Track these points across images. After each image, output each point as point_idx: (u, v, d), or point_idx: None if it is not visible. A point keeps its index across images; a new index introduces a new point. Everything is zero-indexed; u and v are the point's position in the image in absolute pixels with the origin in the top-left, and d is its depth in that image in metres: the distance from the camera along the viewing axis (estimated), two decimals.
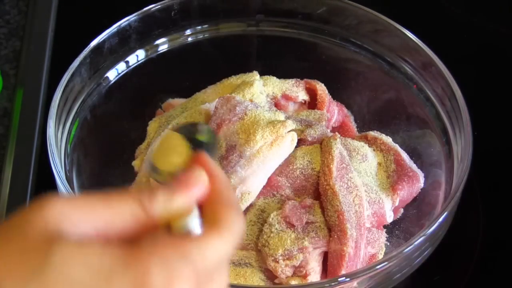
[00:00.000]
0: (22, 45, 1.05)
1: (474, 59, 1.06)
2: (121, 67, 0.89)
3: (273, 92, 0.87)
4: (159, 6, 0.89)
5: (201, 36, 0.94)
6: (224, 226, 0.45)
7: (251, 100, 0.82)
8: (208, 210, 0.46)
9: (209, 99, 0.85)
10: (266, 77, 0.88)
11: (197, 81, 0.90)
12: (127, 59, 0.90)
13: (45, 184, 0.86)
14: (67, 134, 0.81)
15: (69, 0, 1.12)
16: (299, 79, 0.89)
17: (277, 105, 0.87)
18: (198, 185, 0.47)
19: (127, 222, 0.43)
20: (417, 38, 0.85)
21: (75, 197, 0.43)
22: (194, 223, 0.45)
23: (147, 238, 0.43)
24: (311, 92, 0.89)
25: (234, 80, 0.88)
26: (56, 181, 0.73)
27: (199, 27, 0.94)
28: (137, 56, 0.90)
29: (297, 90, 0.88)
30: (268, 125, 0.75)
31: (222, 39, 0.94)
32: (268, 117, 0.77)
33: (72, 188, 0.76)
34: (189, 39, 0.94)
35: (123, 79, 0.89)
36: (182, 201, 0.45)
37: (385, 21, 0.87)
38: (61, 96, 0.79)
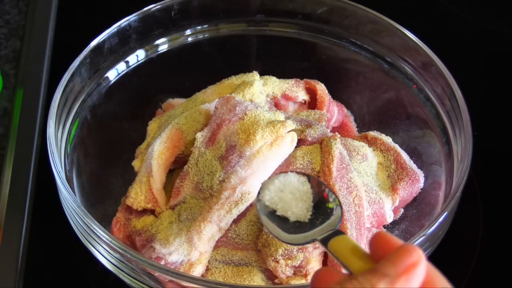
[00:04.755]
0: (22, 45, 1.05)
1: (474, 59, 1.06)
2: (121, 67, 0.89)
3: (273, 92, 0.87)
4: (159, 6, 0.89)
5: (201, 36, 0.94)
6: None
7: (251, 100, 0.82)
8: None
9: (209, 99, 0.85)
10: (266, 77, 0.88)
11: (197, 81, 0.90)
12: (127, 59, 0.90)
13: (45, 184, 0.86)
14: (67, 134, 0.81)
15: (69, 0, 1.12)
16: (299, 79, 0.89)
17: (277, 105, 0.87)
18: (419, 270, 0.43)
19: None
20: (417, 38, 0.85)
21: None
22: None
23: None
24: (311, 92, 0.89)
25: (234, 80, 0.88)
26: (56, 181, 0.73)
27: (199, 27, 0.94)
28: (137, 56, 0.91)
29: (297, 90, 0.88)
30: (268, 125, 0.75)
31: (222, 39, 0.94)
32: (268, 117, 0.77)
33: (72, 188, 0.76)
34: (189, 39, 0.94)
35: (123, 79, 0.89)
36: None
37: (385, 21, 0.87)
38: (61, 96, 0.79)
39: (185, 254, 0.72)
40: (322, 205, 0.58)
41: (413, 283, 0.43)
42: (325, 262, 0.74)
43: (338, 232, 0.53)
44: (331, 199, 0.58)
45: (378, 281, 0.42)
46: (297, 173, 0.61)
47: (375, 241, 0.47)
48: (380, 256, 0.46)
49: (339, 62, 0.93)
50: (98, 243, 0.70)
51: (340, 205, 0.58)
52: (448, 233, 0.74)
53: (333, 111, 0.88)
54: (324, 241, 0.52)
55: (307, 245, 0.71)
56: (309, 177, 0.61)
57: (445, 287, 0.45)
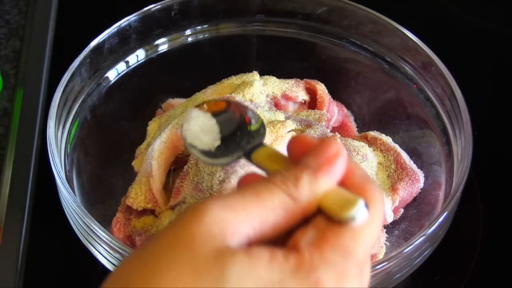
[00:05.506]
0: (22, 45, 1.05)
1: (474, 59, 1.06)
2: (121, 67, 0.89)
3: (273, 92, 0.87)
4: (159, 6, 0.89)
5: (201, 36, 0.94)
6: (372, 207, 0.43)
7: (251, 100, 0.82)
8: (349, 188, 0.44)
9: (209, 99, 0.85)
10: (266, 77, 0.88)
11: (197, 81, 0.90)
12: (127, 59, 0.90)
13: (45, 184, 0.86)
14: (67, 134, 0.81)
15: (69, 0, 1.12)
16: (299, 79, 0.89)
17: (277, 105, 0.86)
18: (340, 160, 0.45)
19: (279, 215, 0.43)
20: (417, 38, 0.85)
21: (228, 199, 0.43)
22: (357, 209, 0.42)
23: (304, 239, 0.42)
24: (311, 92, 0.89)
25: (234, 80, 0.88)
26: (56, 181, 0.73)
27: (199, 27, 0.94)
28: (137, 56, 0.90)
29: (297, 90, 0.88)
30: (268, 125, 0.75)
31: (222, 39, 0.94)
32: (268, 117, 0.77)
33: (72, 188, 0.76)
34: (189, 39, 0.94)
35: (123, 79, 0.89)
36: (327, 183, 0.44)
37: (385, 21, 0.87)
38: (61, 96, 0.79)
39: None
40: (246, 128, 0.60)
41: (335, 172, 0.44)
42: None
43: (261, 145, 0.54)
44: (253, 121, 0.60)
45: (301, 173, 0.44)
46: (203, 107, 0.63)
47: (291, 144, 0.48)
48: (299, 158, 0.46)
49: (339, 62, 0.93)
50: (98, 243, 0.70)
51: (263, 123, 0.59)
52: (448, 233, 0.74)
53: (333, 111, 0.88)
54: (248, 156, 0.54)
55: None
56: (228, 103, 0.63)
57: (364, 175, 0.46)
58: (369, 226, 0.43)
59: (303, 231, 0.43)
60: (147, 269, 0.40)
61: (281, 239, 0.43)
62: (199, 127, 0.61)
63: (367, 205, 0.43)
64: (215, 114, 0.62)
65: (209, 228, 0.41)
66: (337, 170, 0.44)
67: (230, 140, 0.59)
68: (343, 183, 0.45)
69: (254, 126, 0.60)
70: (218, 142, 0.60)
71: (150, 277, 0.40)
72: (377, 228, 0.44)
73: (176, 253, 0.40)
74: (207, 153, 0.60)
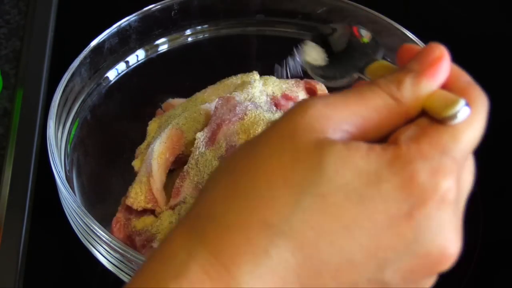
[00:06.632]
0: (22, 45, 1.05)
1: (474, 59, 1.06)
2: (121, 67, 0.89)
3: (273, 92, 0.87)
4: (159, 6, 0.89)
5: (201, 36, 0.94)
6: (474, 107, 0.44)
7: (251, 100, 0.82)
8: (453, 91, 0.45)
9: (209, 99, 0.85)
10: (266, 77, 0.88)
11: (197, 81, 0.90)
12: (127, 59, 0.90)
13: (45, 184, 0.86)
14: (67, 134, 0.81)
15: (69, 0, 1.12)
16: (299, 79, 0.89)
17: (277, 105, 0.86)
18: (443, 64, 0.46)
19: (382, 114, 0.44)
20: (417, 38, 0.85)
21: (331, 97, 0.44)
22: (458, 107, 0.43)
23: (405, 134, 0.43)
24: (311, 92, 0.89)
25: (234, 80, 0.88)
26: (56, 181, 0.73)
27: (199, 27, 0.94)
28: (137, 56, 0.91)
29: (297, 90, 0.88)
30: (268, 125, 0.75)
31: (222, 39, 0.94)
32: (268, 117, 0.77)
33: (72, 188, 0.76)
34: (189, 39, 0.94)
35: (123, 79, 0.89)
36: (429, 85, 0.45)
37: (385, 21, 0.87)
38: (61, 96, 0.79)
39: None
40: (357, 43, 0.62)
41: (438, 75, 0.45)
42: None
43: (374, 60, 0.56)
44: (364, 34, 0.61)
45: (404, 76, 0.45)
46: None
47: (400, 54, 0.50)
48: None
49: None
50: (98, 243, 0.70)
51: (374, 37, 0.61)
52: None
53: None
54: (362, 71, 0.55)
55: None
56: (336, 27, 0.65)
57: (468, 79, 0.47)
58: (469, 126, 0.43)
59: (405, 128, 0.44)
60: (251, 156, 0.43)
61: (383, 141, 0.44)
62: (313, 59, 0.63)
63: (469, 106, 0.44)
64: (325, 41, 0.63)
65: (312, 122, 0.42)
66: (440, 73, 0.45)
67: (345, 60, 0.61)
68: (447, 86, 0.46)
69: (365, 39, 0.61)
70: (326, 58, 0.62)
71: (253, 162, 0.43)
72: (478, 131, 0.44)
73: (278, 143, 0.42)
74: (325, 77, 0.62)
